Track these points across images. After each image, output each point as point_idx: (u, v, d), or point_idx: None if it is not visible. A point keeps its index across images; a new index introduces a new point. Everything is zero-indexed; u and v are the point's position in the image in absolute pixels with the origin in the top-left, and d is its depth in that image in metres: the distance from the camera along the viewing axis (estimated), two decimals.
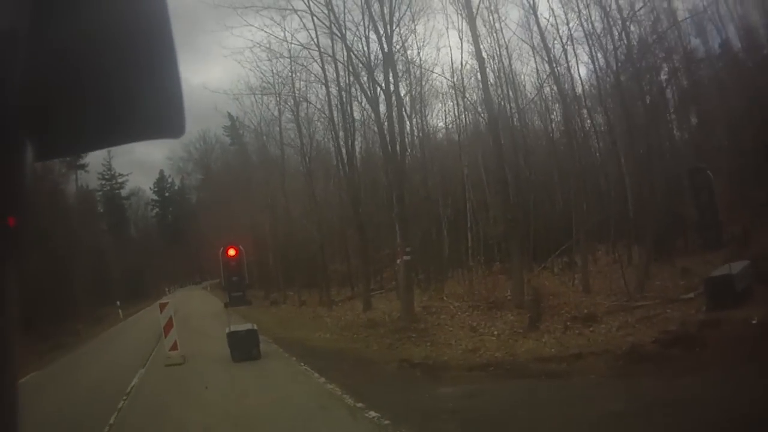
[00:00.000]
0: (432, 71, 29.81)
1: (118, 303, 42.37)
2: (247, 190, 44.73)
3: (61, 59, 0.69)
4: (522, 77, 28.44)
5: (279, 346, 19.01)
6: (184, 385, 14.22)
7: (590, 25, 24.33)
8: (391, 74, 23.24)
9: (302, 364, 15.20)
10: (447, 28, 36.75)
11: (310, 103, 32.45)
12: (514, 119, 26.73)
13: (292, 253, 38.71)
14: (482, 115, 26.29)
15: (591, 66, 25.38)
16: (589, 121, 26.87)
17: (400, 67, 25.67)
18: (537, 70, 27.10)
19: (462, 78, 28.65)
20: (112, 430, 10.63)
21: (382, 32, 22.95)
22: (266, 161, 41.19)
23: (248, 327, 17.01)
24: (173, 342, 17.11)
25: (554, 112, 28.88)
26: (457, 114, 31.29)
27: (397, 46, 24.63)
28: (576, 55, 25.44)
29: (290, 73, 31.65)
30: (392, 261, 27.69)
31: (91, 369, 19.78)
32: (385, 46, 22.97)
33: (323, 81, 29.26)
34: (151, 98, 0.76)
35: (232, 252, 17.81)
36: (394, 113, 23.43)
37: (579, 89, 26.18)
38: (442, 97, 32.30)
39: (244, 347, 16.20)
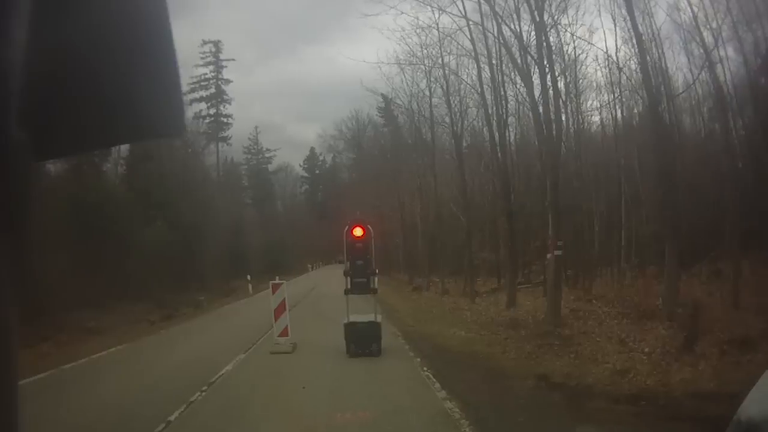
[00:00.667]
0: (585, 52, 27.09)
1: (248, 277, 41.22)
2: (397, 171, 44.44)
3: (60, 59, 0.65)
4: (674, 70, 25.03)
5: (406, 341, 16.93)
6: (279, 381, 12.19)
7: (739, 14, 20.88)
8: (544, 45, 21.30)
9: (425, 368, 12.80)
10: (599, 11, 33.60)
11: (460, 77, 30.98)
12: (666, 113, 23.70)
13: (439, 238, 37.41)
14: (641, 98, 23.71)
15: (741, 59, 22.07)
16: (740, 120, 23.44)
17: (554, 45, 23.44)
18: (689, 61, 24.00)
19: (618, 63, 25.40)
20: (166, 430, 8.88)
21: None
22: (417, 142, 40.32)
23: (370, 318, 14.67)
24: (284, 328, 15.52)
25: (705, 108, 25.74)
26: (611, 102, 28.08)
27: (549, 23, 22.37)
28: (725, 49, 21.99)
29: (439, 47, 30.17)
30: (541, 254, 25.49)
31: (189, 345, 18.41)
32: (536, 16, 20.84)
33: (473, 55, 27.30)
34: (151, 98, 0.72)
35: (358, 232, 15.25)
36: (549, 92, 21.20)
37: (730, 85, 22.69)
38: (597, 87, 29.60)
39: (362, 341, 14.10)
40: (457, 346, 16.15)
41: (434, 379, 11.57)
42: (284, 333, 15.38)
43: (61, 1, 0.64)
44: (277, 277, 17.49)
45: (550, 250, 20.04)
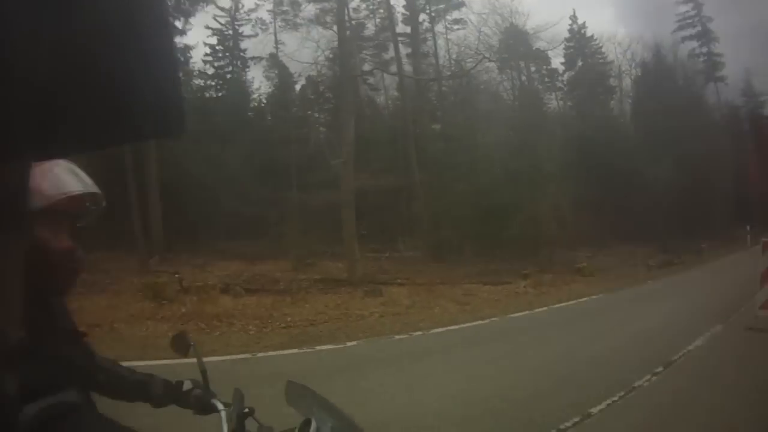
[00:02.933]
0: None
1: (747, 227, 37.74)
2: None
3: (60, 58, 0.65)
4: None
5: None
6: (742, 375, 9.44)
7: None
8: None
9: None
10: None
11: None
12: None
13: None
14: None
15: None
16: None
17: None
18: None
19: None
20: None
21: None
22: None
23: None
24: (766, 298, 12.96)
25: None
26: None
27: None
28: None
29: None
30: None
31: (669, 303, 17.38)
32: None
33: None
34: (151, 97, 0.72)
35: None
36: None
37: None
38: None
39: None
40: None
41: None
42: (766, 305, 12.87)
43: (61, 1, 0.64)
44: None
45: None
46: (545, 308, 17.10)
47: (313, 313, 15.89)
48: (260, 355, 11.10)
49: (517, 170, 29.39)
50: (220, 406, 2.42)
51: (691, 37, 61.77)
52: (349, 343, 12.37)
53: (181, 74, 0.78)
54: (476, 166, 30.15)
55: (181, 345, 2.75)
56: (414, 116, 34.72)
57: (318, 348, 11.79)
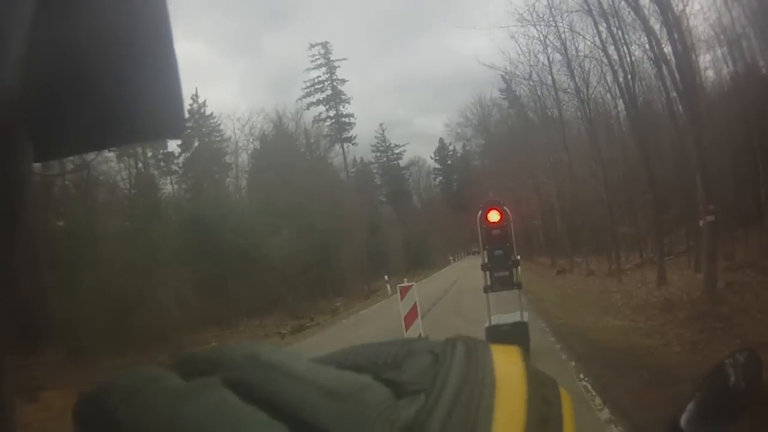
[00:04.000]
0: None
1: (386, 277, 39.94)
2: (528, 151, 43.75)
3: (59, 58, 0.63)
4: None
5: (557, 339, 14.82)
6: None
7: None
8: None
9: (581, 376, 10.73)
10: None
11: (577, 33, 30.05)
12: None
13: (578, 216, 36.51)
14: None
15: None
16: None
17: None
18: None
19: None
20: None
21: None
22: (545, 117, 40.00)
23: (515, 319, 12.62)
24: (416, 336, 13.13)
25: None
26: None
27: None
28: None
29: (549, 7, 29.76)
30: (677, 225, 25.43)
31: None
32: None
33: (586, 9, 26.43)
34: (150, 98, 0.70)
35: (494, 216, 13.05)
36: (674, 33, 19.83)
37: None
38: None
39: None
40: (613, 341, 14.03)
41: (593, 392, 9.56)
42: None
43: (60, 1, 0.61)
44: (405, 279, 15.76)
45: (701, 216, 18.26)
46: None
47: None
48: None
49: (134, 260, 28.79)
50: None
51: (318, 102, 64.10)
52: None
53: (180, 76, 0.70)
54: (97, 261, 28.94)
55: None
56: (41, 214, 32.53)
57: None
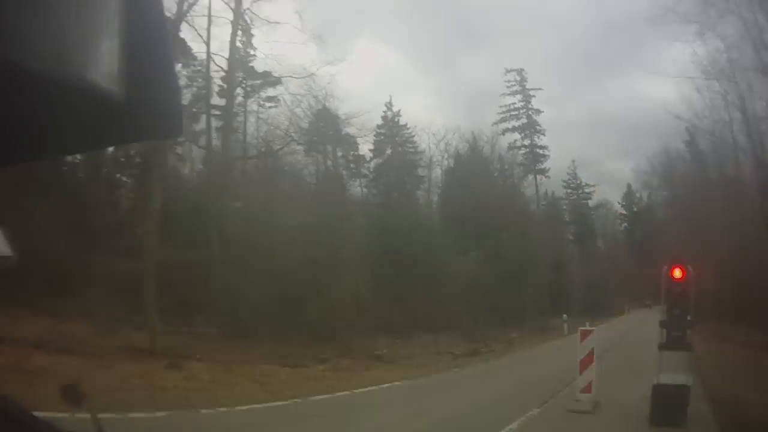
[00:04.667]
0: None
1: (564, 317, 39.05)
2: (709, 209, 41.03)
3: (59, 58, 0.64)
4: None
5: (712, 407, 14.17)
6: None
7: None
8: None
9: None
10: None
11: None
12: None
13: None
14: None
15: None
16: None
17: None
18: None
19: None
20: None
21: None
22: (725, 176, 38.28)
23: (681, 381, 12.47)
24: (588, 383, 13.67)
25: None
26: None
27: None
28: None
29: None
30: None
31: (479, 390, 17.47)
32: None
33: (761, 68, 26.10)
34: (149, 99, 0.73)
35: (677, 273, 12.93)
36: None
37: None
38: None
39: (669, 408, 11.92)
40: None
41: None
42: (587, 389, 13.53)
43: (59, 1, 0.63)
44: (587, 323, 15.62)
45: None
46: (347, 392, 16.82)
47: (119, 379, 15.30)
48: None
49: (315, 255, 29.07)
50: None
51: (513, 129, 64.01)
52: (158, 413, 12.18)
53: (178, 77, 0.72)
54: (275, 248, 29.55)
55: (73, 397, 2.55)
56: (217, 192, 33.74)
57: (130, 416, 11.39)
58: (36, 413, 1.97)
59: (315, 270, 28.32)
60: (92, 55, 0.61)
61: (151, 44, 0.68)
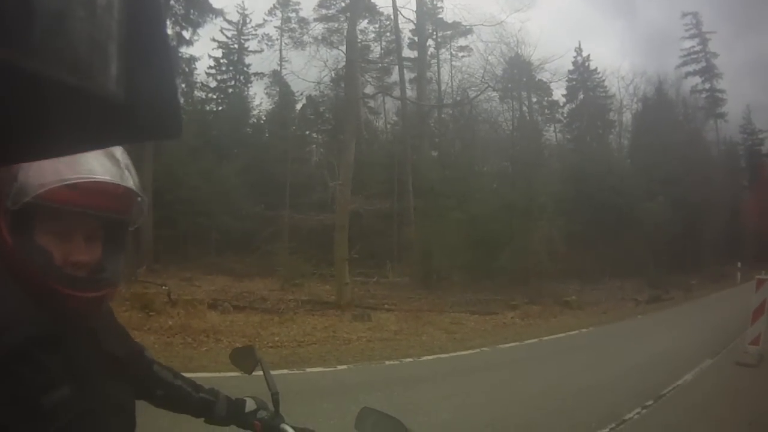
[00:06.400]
0: None
1: (738, 264, 37.57)
2: None
3: (58, 58, 0.64)
4: None
5: None
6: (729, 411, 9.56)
7: None
8: None
9: None
10: None
11: None
12: None
13: None
14: None
15: None
16: None
17: None
18: None
19: None
20: None
21: None
22: None
23: None
24: (756, 335, 13.22)
25: None
26: None
27: None
28: None
29: None
30: None
31: (658, 338, 17.28)
32: None
33: None
34: (148, 98, 0.71)
35: None
36: None
37: None
38: None
39: None
40: None
41: None
42: (756, 341, 13.16)
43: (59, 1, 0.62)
44: (763, 272, 15.46)
45: None
46: (535, 340, 17.06)
47: (301, 334, 15.77)
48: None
49: (512, 201, 29.54)
50: None
51: (694, 73, 61.87)
52: (339, 367, 12.24)
53: (178, 76, 0.73)
54: (471, 195, 30.24)
55: (245, 360, 2.49)
56: (413, 142, 34.73)
57: (308, 370, 11.70)
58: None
59: (510, 216, 28.82)
60: (92, 55, 0.63)
61: (151, 44, 0.69)
